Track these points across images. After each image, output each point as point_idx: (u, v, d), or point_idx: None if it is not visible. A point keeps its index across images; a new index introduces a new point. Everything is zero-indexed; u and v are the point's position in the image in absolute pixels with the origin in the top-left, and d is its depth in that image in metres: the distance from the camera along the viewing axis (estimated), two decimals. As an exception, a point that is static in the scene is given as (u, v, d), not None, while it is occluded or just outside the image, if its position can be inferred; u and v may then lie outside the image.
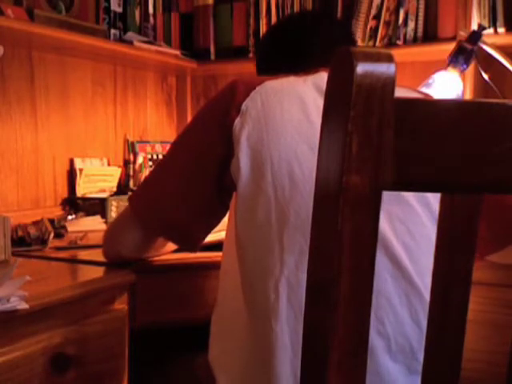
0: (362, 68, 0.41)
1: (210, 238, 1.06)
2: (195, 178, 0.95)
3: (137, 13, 2.08)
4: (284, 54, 1.11)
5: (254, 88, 0.90)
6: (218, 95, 0.96)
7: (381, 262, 0.83)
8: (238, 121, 0.88)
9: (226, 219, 1.01)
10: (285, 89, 0.91)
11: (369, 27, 1.84)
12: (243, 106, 0.89)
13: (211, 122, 0.94)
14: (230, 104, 0.91)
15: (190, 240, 1.02)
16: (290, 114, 0.88)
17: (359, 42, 1.84)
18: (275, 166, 0.85)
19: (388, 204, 0.82)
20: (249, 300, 0.87)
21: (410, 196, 0.88)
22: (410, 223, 0.87)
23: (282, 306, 0.82)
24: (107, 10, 1.93)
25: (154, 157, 2.10)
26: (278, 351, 0.82)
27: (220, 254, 1.02)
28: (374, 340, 0.82)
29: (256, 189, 0.85)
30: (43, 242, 1.39)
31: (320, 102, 0.85)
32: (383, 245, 0.83)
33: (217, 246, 1.21)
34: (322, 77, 0.93)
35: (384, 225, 0.84)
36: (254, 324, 0.86)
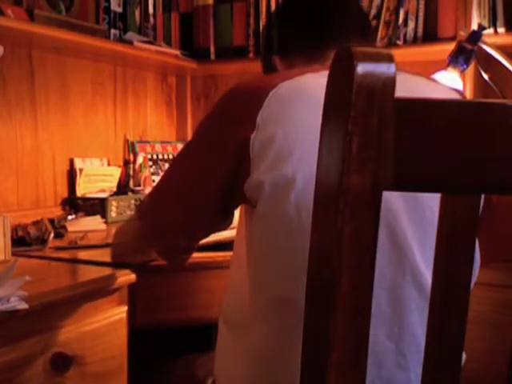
0: (362, 68, 0.41)
1: (210, 238, 1.05)
2: (200, 193, 0.89)
3: (137, 13, 2.08)
4: (307, 22, 0.99)
5: (264, 93, 0.81)
6: (223, 104, 0.87)
7: (400, 269, 0.80)
8: (254, 136, 0.79)
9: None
10: (301, 95, 0.81)
11: (369, 27, 1.84)
12: (258, 120, 0.80)
13: (218, 135, 0.86)
14: (240, 115, 0.83)
15: (179, 257, 1.01)
16: (311, 125, 0.78)
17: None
18: (299, 185, 0.77)
19: (407, 201, 0.80)
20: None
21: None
22: (424, 221, 0.82)
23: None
24: (107, 9, 1.93)
25: (154, 157, 2.10)
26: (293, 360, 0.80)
27: (220, 254, 1.02)
28: (385, 343, 0.80)
29: (279, 209, 0.79)
30: (43, 241, 1.39)
31: None
32: (398, 243, 0.80)
33: (217, 246, 1.21)
34: None
35: (403, 223, 0.80)
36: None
